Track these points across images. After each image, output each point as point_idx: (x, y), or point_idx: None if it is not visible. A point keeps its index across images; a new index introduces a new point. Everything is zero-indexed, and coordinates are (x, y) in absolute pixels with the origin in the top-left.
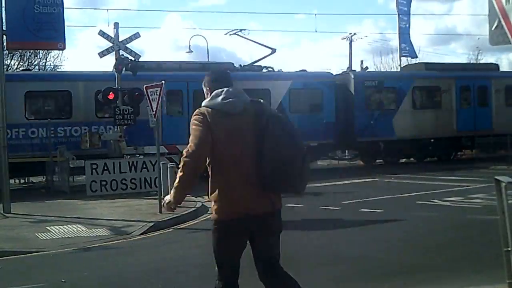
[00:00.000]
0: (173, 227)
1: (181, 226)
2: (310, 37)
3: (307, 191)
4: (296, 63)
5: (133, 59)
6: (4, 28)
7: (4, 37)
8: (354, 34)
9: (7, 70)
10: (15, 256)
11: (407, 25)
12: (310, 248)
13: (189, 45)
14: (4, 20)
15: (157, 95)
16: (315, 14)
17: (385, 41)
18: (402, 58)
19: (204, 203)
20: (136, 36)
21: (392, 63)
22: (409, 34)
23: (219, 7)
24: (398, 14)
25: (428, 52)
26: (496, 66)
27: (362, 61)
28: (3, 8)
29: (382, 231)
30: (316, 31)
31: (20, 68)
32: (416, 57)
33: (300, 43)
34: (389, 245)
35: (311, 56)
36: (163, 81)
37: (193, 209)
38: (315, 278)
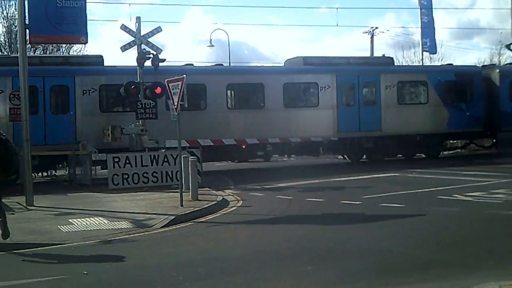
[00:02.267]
0: (194, 221)
1: (202, 220)
2: (331, 32)
3: (328, 185)
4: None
5: (154, 53)
6: (27, 22)
7: (27, 31)
8: (376, 28)
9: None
10: (38, 248)
11: (429, 20)
12: (330, 243)
13: (210, 40)
14: (27, 15)
15: (178, 89)
16: (337, 8)
17: (408, 35)
18: (423, 52)
19: (224, 197)
20: (158, 30)
21: (414, 58)
22: (433, 28)
23: (240, 1)
24: (420, 8)
25: (451, 46)
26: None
27: (383, 55)
28: (26, 3)
29: (403, 226)
30: (337, 25)
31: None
32: (436, 52)
33: (321, 38)
34: (409, 240)
35: (332, 51)
36: (185, 75)
37: (214, 202)
38: (334, 272)
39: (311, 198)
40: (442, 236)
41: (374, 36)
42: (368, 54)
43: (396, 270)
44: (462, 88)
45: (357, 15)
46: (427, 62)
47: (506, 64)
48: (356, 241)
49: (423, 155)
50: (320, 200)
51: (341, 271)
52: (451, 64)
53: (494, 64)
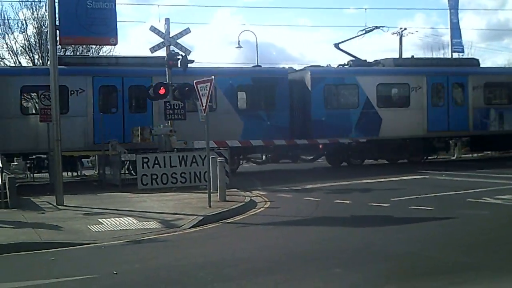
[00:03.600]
0: (222, 221)
1: (230, 220)
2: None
3: (356, 187)
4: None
5: (183, 54)
6: (57, 23)
7: (57, 32)
8: (405, 29)
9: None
10: (68, 248)
11: (457, 20)
12: (358, 245)
13: (239, 41)
14: (57, 16)
15: (206, 90)
16: (365, 9)
17: (437, 36)
18: (453, 53)
19: (252, 198)
20: (187, 31)
21: None
22: (459, 29)
23: (268, 2)
24: (450, 9)
25: (481, 47)
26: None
27: (412, 56)
28: (57, 4)
29: (431, 229)
30: (366, 26)
31: None
32: (463, 52)
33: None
34: (438, 243)
35: (361, 52)
36: (213, 76)
37: (242, 203)
38: (363, 275)
39: (339, 200)
40: (471, 239)
41: (403, 37)
42: (396, 55)
43: (425, 273)
44: (261, 94)
45: (386, 15)
46: None
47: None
48: (384, 243)
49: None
50: (348, 202)
51: (369, 274)
52: (260, 66)
53: (315, 66)
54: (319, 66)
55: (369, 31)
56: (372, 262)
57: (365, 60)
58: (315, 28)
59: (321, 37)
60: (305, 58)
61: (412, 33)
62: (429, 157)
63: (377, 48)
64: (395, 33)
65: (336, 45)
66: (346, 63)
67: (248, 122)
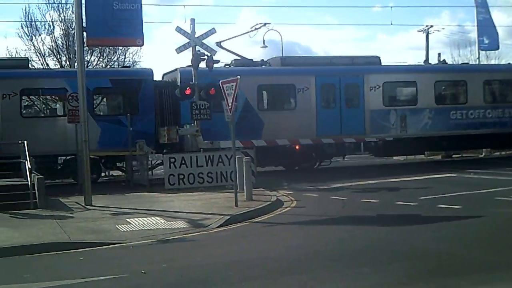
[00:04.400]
0: (249, 221)
1: (257, 220)
2: (386, 30)
3: (383, 186)
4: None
5: (209, 54)
6: (84, 25)
7: (84, 33)
8: (431, 26)
9: (87, 67)
10: (97, 248)
11: (487, 17)
12: (386, 244)
13: (264, 40)
14: (84, 17)
15: (232, 90)
16: (391, 7)
17: (464, 33)
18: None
19: (279, 197)
20: (212, 31)
21: (470, 56)
22: (493, 25)
23: (293, 1)
24: (476, 6)
25: (507, 44)
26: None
27: (439, 54)
28: (83, 6)
29: (459, 228)
30: (392, 24)
31: (100, 65)
32: (498, 48)
33: (375, 37)
34: (466, 242)
35: (386, 50)
36: (239, 76)
37: (269, 203)
38: (390, 274)
39: (366, 199)
40: (499, 238)
41: (429, 35)
42: (423, 53)
43: (453, 272)
44: (122, 97)
45: (412, 13)
46: (483, 61)
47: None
48: (412, 242)
49: None
50: (375, 201)
51: (397, 273)
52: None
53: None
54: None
55: (258, 28)
56: (400, 261)
57: (251, 60)
58: (341, 26)
59: (346, 35)
60: None
61: (438, 30)
62: (322, 163)
63: (404, 46)
64: (421, 31)
65: (218, 44)
66: (230, 63)
67: (106, 128)
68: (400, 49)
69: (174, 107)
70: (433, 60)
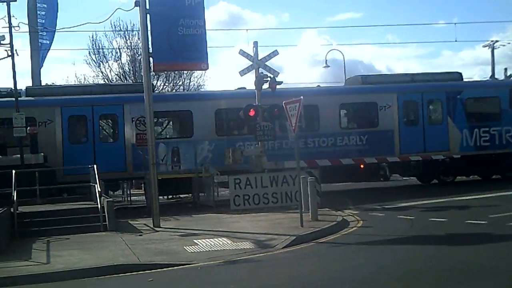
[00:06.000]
0: (315, 241)
1: (323, 240)
2: (450, 47)
3: (450, 204)
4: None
5: (272, 76)
6: (150, 51)
7: (151, 59)
8: (497, 41)
9: (153, 91)
10: (166, 269)
11: None
12: (456, 263)
13: (326, 60)
14: (150, 43)
15: (295, 110)
16: (455, 24)
17: None
18: None
19: (344, 217)
20: (275, 53)
21: None
22: None
23: (355, 21)
24: None
25: None
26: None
27: (505, 69)
28: (149, 32)
29: None
30: (456, 41)
31: (166, 89)
32: None
33: (439, 53)
34: None
35: (451, 66)
36: (301, 97)
37: (334, 223)
38: None
39: (434, 218)
40: None
41: (494, 50)
42: (489, 68)
43: None
44: None
45: (476, 29)
46: None
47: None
48: (483, 261)
49: None
50: (443, 219)
51: None
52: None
53: None
54: None
55: None
56: (471, 281)
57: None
58: (404, 44)
59: (410, 52)
60: None
61: (504, 45)
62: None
63: (469, 61)
64: (486, 46)
65: None
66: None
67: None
68: (465, 65)
69: None
70: (500, 75)
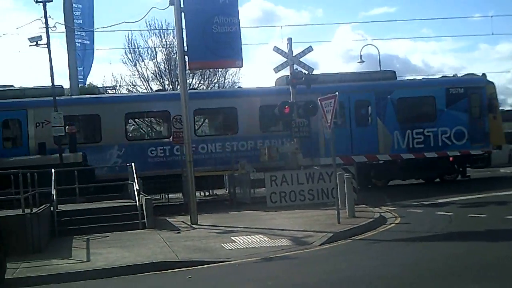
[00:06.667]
0: (352, 238)
1: (360, 237)
2: (486, 40)
3: (490, 200)
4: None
5: (306, 72)
6: (185, 50)
7: (186, 58)
8: None
9: (190, 89)
10: (204, 266)
11: None
12: (495, 260)
13: (360, 55)
14: (185, 42)
15: (331, 106)
16: (491, 16)
17: None
18: None
19: (382, 214)
20: (309, 50)
21: None
22: None
23: (389, 15)
24: None
25: None
26: None
27: None
28: (184, 30)
29: None
30: (492, 34)
31: (202, 87)
32: None
33: (475, 47)
34: None
35: (487, 59)
36: (337, 93)
37: (371, 219)
38: None
39: (473, 213)
40: None
41: None
42: None
43: None
44: None
45: None
46: None
47: None
48: None
49: None
50: (483, 215)
51: None
52: None
53: None
54: None
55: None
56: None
57: None
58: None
59: (446, 46)
60: (430, 69)
61: None
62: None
63: (507, 55)
64: None
65: None
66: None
67: None
68: (502, 58)
69: None
70: None
